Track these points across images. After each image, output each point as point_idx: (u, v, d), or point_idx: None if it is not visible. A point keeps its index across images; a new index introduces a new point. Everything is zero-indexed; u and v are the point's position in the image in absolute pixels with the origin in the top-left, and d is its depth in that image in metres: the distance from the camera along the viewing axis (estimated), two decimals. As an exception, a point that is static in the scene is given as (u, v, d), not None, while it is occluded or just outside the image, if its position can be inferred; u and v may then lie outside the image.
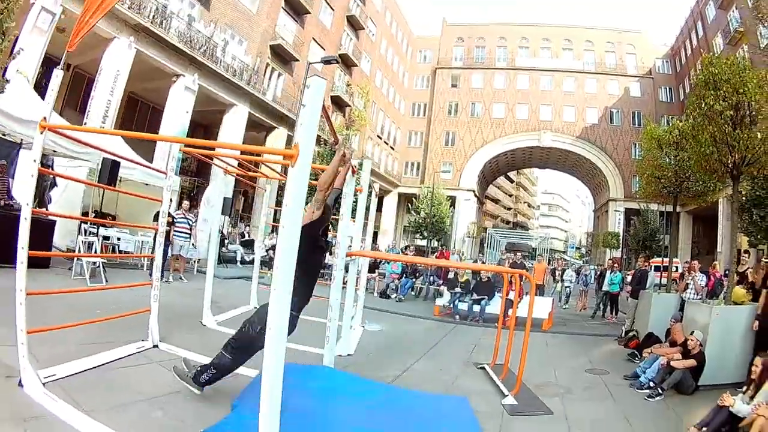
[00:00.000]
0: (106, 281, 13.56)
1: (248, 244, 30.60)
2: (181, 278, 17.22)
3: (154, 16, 28.10)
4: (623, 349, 13.81)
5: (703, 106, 11.88)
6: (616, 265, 22.39)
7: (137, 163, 13.64)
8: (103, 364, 6.84)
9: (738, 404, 6.83)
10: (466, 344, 13.28)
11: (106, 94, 24.93)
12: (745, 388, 7.66)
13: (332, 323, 8.51)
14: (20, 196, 15.22)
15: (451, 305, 18.31)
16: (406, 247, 36.94)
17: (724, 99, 11.24)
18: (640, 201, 31.21)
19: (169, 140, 7.93)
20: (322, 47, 47.16)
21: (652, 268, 21.84)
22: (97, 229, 15.46)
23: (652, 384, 9.52)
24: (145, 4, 27.55)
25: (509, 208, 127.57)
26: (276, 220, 22.11)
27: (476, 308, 17.74)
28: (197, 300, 11.83)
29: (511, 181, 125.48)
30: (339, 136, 7.16)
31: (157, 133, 29.83)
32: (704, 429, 6.84)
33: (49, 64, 23.30)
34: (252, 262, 23.11)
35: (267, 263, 22.32)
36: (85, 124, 23.55)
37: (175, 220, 16.86)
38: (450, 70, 70.48)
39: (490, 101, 67.29)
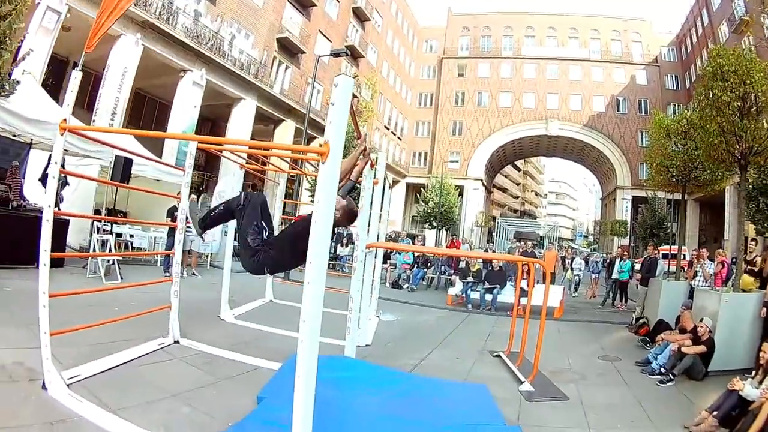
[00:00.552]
0: (122, 278, 13.69)
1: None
2: (194, 273, 17.31)
3: (160, 12, 28.12)
4: (634, 336, 13.93)
5: (710, 96, 11.97)
6: (625, 253, 22.48)
7: (152, 159, 13.75)
8: (126, 362, 6.93)
9: (747, 388, 6.94)
10: (480, 333, 13.43)
11: (114, 91, 24.98)
12: (753, 373, 7.76)
13: (353, 314, 8.66)
14: (32, 196, 15.39)
15: (464, 294, 18.45)
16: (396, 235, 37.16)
17: (732, 90, 11.32)
18: (648, 189, 31.22)
19: (192, 139, 8.00)
20: (328, 39, 47.23)
21: (660, 255, 21.95)
22: (111, 226, 15.55)
23: (663, 370, 9.66)
24: (152, 1, 27.56)
25: (517, 197, 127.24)
26: (286, 213, 22.25)
27: (488, 297, 17.85)
28: (213, 294, 12.00)
29: (519, 170, 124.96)
30: (361, 131, 7.21)
31: (165, 129, 30.28)
32: (715, 412, 6.91)
33: (54, 62, 23.45)
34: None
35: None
36: (94, 121, 23.63)
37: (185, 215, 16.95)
38: (456, 60, 70.17)
39: (497, 90, 67.03)
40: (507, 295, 17.65)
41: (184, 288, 8.97)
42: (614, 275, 21.27)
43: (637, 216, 48.00)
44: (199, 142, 8.88)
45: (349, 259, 21.42)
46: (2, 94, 12.18)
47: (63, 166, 6.11)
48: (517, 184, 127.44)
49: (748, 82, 11.10)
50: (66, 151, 14.34)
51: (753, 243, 13.53)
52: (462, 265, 20.48)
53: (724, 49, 12.41)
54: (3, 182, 13.66)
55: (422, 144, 70.32)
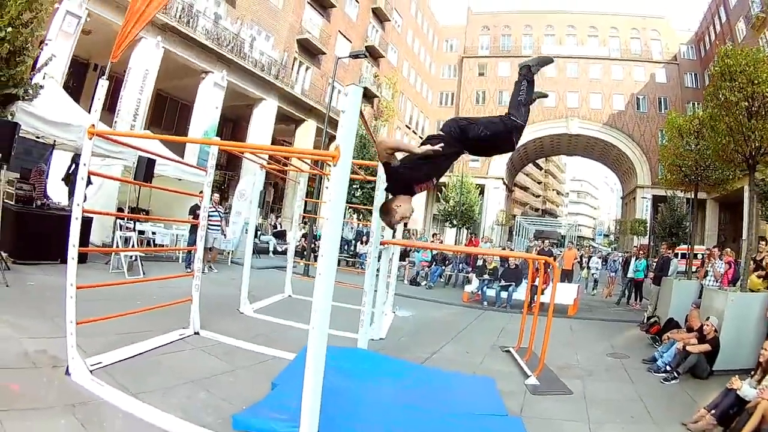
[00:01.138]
0: (144, 274, 14.02)
1: (280, 235, 30.94)
2: (211, 268, 17.43)
3: (180, 15, 28.45)
4: (645, 334, 13.92)
5: (719, 96, 12.07)
6: (641, 252, 22.53)
7: (173, 160, 14.03)
8: (147, 351, 7.23)
9: (745, 388, 7.02)
10: (493, 329, 13.57)
11: (136, 93, 25.29)
12: (753, 372, 7.87)
13: (366, 308, 8.93)
14: (55, 195, 15.73)
15: (479, 291, 18.65)
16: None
17: (740, 90, 11.41)
18: (664, 188, 31.27)
19: (214, 144, 8.28)
20: (348, 40, 47.37)
21: (679, 255, 22.00)
22: (134, 224, 15.80)
23: (668, 368, 9.73)
24: (172, 4, 27.85)
25: (538, 196, 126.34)
26: (306, 211, 22.47)
27: (504, 294, 18.03)
28: (232, 289, 12.32)
29: (540, 169, 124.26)
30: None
31: (187, 129, 30.71)
32: (713, 411, 7.00)
33: (75, 65, 23.79)
34: (284, 252, 23.44)
35: (300, 253, 22.68)
36: (116, 122, 23.94)
37: (208, 213, 17.19)
38: (477, 59, 70.02)
39: (517, 89, 66.20)
40: (522, 292, 17.33)
41: (205, 283, 9.24)
42: (629, 274, 21.35)
43: (656, 215, 47.61)
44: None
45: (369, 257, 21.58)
46: (26, 98, 12.46)
47: (79, 166, 6.41)
48: (539, 183, 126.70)
49: (757, 82, 11.18)
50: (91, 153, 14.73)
51: (763, 243, 13.57)
52: (479, 262, 20.59)
53: (732, 49, 12.47)
54: (27, 182, 13.96)
55: (443, 143, 69.50)
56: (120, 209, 17.28)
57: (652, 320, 14.34)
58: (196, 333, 8.60)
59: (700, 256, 19.16)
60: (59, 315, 6.48)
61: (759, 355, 7.95)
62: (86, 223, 13.44)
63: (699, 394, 8.54)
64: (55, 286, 9.42)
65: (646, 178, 59.06)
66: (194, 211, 15.93)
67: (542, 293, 12.40)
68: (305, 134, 42.26)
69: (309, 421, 4.44)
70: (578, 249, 35.47)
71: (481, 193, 59.07)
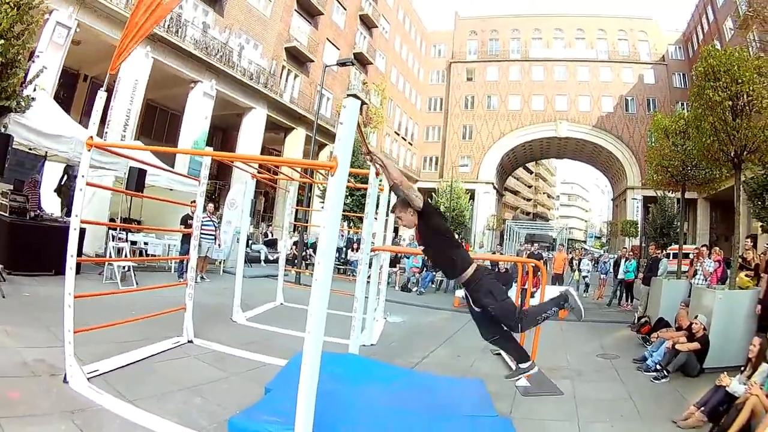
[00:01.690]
0: (137, 284, 14.02)
1: (271, 244, 30.99)
2: (203, 278, 17.40)
3: (169, 25, 28.44)
4: (636, 334, 14.04)
5: (703, 96, 12.18)
6: (631, 253, 22.73)
7: (165, 170, 14.14)
8: (143, 359, 7.35)
9: (734, 384, 7.13)
10: (483, 333, 13.62)
11: (126, 104, 25.32)
12: (743, 368, 7.98)
13: (357, 314, 9.01)
14: (47, 206, 15.81)
15: (471, 296, 18.55)
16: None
17: (723, 90, 11.53)
18: (651, 189, 31.34)
19: (207, 155, 8.35)
20: (336, 47, 47.53)
21: (670, 255, 22.10)
22: (126, 234, 15.91)
23: (658, 367, 9.84)
24: (161, 14, 27.70)
25: (529, 199, 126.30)
26: (297, 219, 22.56)
27: (495, 299, 17.93)
28: (225, 298, 12.40)
29: (531, 173, 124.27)
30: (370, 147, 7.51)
31: (177, 138, 30.74)
32: (702, 408, 7.12)
33: (65, 75, 23.85)
34: (275, 261, 23.54)
35: (290, 261, 22.77)
36: (106, 133, 23.95)
37: (201, 222, 17.22)
38: (465, 64, 70.20)
39: (506, 93, 67.07)
40: (513, 296, 17.59)
41: (198, 292, 9.34)
42: (620, 275, 21.49)
43: (647, 216, 47.78)
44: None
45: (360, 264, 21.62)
46: (18, 110, 12.55)
47: (77, 177, 6.48)
48: (529, 187, 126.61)
49: (740, 81, 11.31)
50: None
51: (748, 241, 13.68)
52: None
53: (715, 49, 12.61)
54: (21, 193, 14.04)
55: (433, 149, 70.46)
56: (112, 219, 17.32)
57: (643, 320, 14.46)
58: (190, 341, 8.70)
59: (691, 256, 19.22)
60: (55, 324, 6.62)
61: (748, 351, 8.07)
62: (79, 234, 13.55)
63: (689, 391, 8.63)
64: (50, 297, 9.52)
65: (636, 180, 59.03)
66: (186, 220, 16.02)
67: (532, 296, 12.48)
68: (294, 142, 42.34)
69: (303, 423, 4.54)
70: (569, 252, 35.64)
71: (471, 198, 59.18)
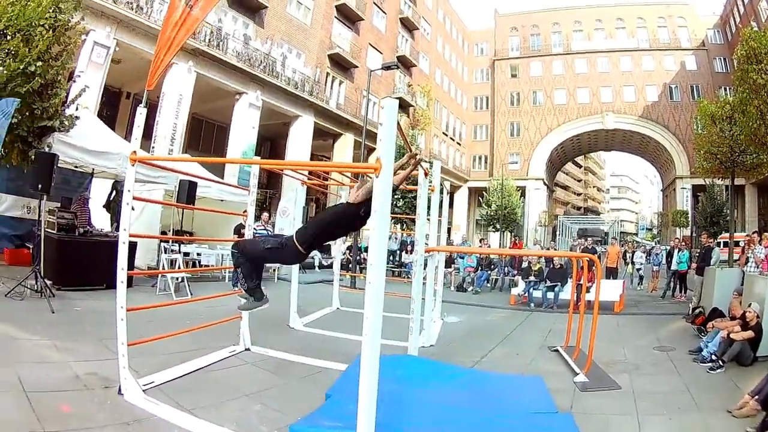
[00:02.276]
0: (191, 294, 14.07)
1: (325, 249, 31.11)
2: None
3: (210, 39, 28.77)
4: (691, 326, 13.66)
5: (747, 80, 11.97)
6: (683, 243, 22.36)
7: (215, 181, 14.24)
8: (199, 369, 7.32)
9: (787, 371, 7.01)
10: (541, 330, 13.56)
11: (171, 118, 25.57)
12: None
13: (415, 315, 8.98)
14: (97, 222, 15.97)
15: (526, 294, 18.65)
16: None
17: (767, 72, 11.34)
18: (702, 176, 30.95)
19: (254, 163, 8.45)
20: (379, 51, 47.68)
21: (721, 244, 21.79)
22: (179, 246, 15.95)
23: (713, 357, 9.63)
24: (200, 28, 27.79)
25: (579, 194, 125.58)
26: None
27: (550, 295, 17.95)
28: (281, 305, 12.20)
29: (579, 166, 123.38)
30: (413, 148, 7.57)
31: (225, 150, 31.26)
32: (756, 396, 6.91)
33: (107, 94, 24.17)
34: (329, 266, 23.54)
35: (345, 266, 22.78)
36: (153, 148, 24.20)
37: (256, 231, 17.21)
38: (508, 61, 70.08)
39: (551, 88, 66.91)
40: (568, 292, 17.06)
41: (253, 300, 9.36)
42: (673, 266, 20.99)
43: (697, 205, 47.40)
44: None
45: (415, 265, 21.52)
46: (61, 129, 12.69)
47: (124, 192, 6.54)
48: (579, 181, 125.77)
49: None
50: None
51: None
52: (524, 265, 20.57)
53: (756, 31, 12.40)
54: (68, 210, 14.14)
55: (481, 147, 70.50)
56: (164, 232, 17.48)
57: (697, 311, 14.05)
58: (247, 349, 8.66)
59: (741, 243, 18.95)
60: (107, 337, 6.62)
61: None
62: (131, 248, 13.62)
63: (743, 380, 8.47)
64: (101, 310, 9.53)
65: (685, 169, 58.33)
66: (239, 230, 15.99)
67: (587, 291, 12.38)
68: (343, 148, 42.54)
69: (365, 427, 4.48)
70: (621, 245, 35.26)
71: (522, 195, 59.11)
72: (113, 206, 16.44)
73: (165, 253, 14.95)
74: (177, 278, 14.36)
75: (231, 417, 5.70)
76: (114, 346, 6.19)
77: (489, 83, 71.61)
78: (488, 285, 23.58)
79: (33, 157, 12.10)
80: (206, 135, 37.79)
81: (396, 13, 51.98)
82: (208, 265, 19.20)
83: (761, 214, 51.36)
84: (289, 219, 19.98)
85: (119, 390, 5.94)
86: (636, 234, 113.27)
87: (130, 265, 10.48)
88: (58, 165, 11.57)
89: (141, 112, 6.56)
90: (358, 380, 4.54)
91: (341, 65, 42.46)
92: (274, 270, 20.39)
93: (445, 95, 64.86)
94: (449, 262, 23.00)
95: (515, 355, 10.57)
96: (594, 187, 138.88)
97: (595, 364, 8.96)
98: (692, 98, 57.71)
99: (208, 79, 29.02)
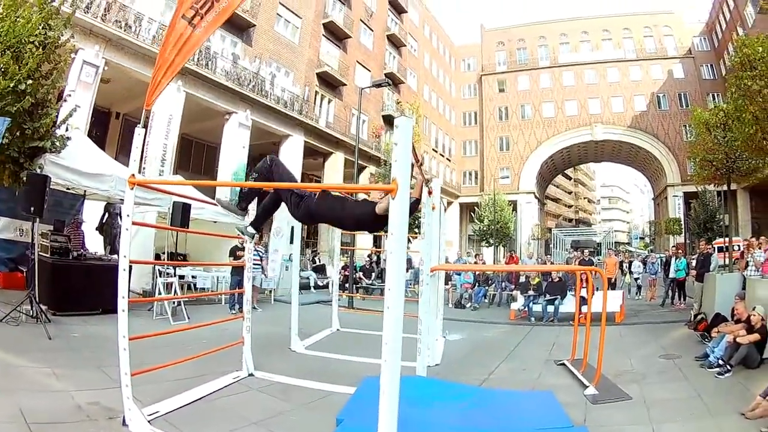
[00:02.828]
0: (189, 318, 13.98)
1: (319, 270, 31.01)
2: (254, 308, 17.31)
3: (198, 58, 28.62)
4: (693, 332, 13.72)
5: (741, 86, 12.00)
6: (680, 251, 22.39)
7: (209, 203, 14.09)
8: (204, 396, 7.19)
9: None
10: (544, 344, 13.56)
11: (161, 139, 25.37)
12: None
13: (423, 336, 8.88)
14: (91, 245, 15.83)
15: (526, 308, 18.55)
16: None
17: (761, 78, 11.35)
18: (697, 184, 31.01)
19: (253, 186, 8.49)
20: (367, 69, 47.76)
21: (716, 249, 21.80)
22: (174, 269, 15.82)
23: (721, 362, 9.69)
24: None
25: (570, 206, 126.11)
26: (344, 243, 22.50)
27: (550, 309, 17.93)
28: (280, 327, 12.30)
29: (569, 179, 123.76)
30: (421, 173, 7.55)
31: (215, 171, 31.24)
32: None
33: (97, 114, 24.04)
34: (325, 286, 23.44)
35: (342, 285, 22.71)
36: (144, 169, 24.07)
37: (256, 253, 17.13)
38: (495, 76, 70.44)
39: (539, 101, 67.22)
40: (569, 305, 17.53)
41: (251, 323, 9.24)
42: (671, 274, 21.09)
43: (689, 212, 47.45)
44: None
45: (411, 283, 21.58)
46: (53, 150, 12.55)
47: (120, 215, 6.42)
48: (569, 193, 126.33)
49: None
50: (122, 201, 14.87)
51: None
52: (522, 279, 20.71)
53: (749, 38, 12.45)
54: (62, 234, 14.07)
55: (471, 163, 70.84)
56: (158, 256, 17.35)
57: (699, 317, 14.13)
58: (251, 374, 8.55)
59: (737, 248, 18.96)
60: (107, 365, 6.51)
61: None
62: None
63: (753, 383, 8.56)
64: (99, 336, 9.45)
65: (676, 176, 58.67)
66: (235, 252, 16.06)
67: (591, 303, 12.32)
68: (333, 166, 42.52)
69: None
70: (617, 255, 35.36)
71: (514, 209, 59.13)
72: (106, 229, 16.34)
73: (160, 276, 14.87)
74: (174, 302, 14.32)
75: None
76: (115, 373, 6.11)
77: (477, 98, 72.02)
78: (486, 301, 23.52)
79: (24, 178, 11.93)
80: (196, 155, 37.73)
81: (383, 30, 52.17)
82: (204, 288, 19.07)
83: (754, 218, 51.46)
84: (284, 239, 19.85)
85: (123, 421, 5.79)
86: (629, 243, 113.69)
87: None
88: (50, 187, 11.43)
89: (139, 133, 6.49)
90: (369, 402, 4.56)
91: (330, 83, 42.50)
92: (271, 291, 20.35)
93: (434, 111, 65.20)
94: (446, 278, 22.73)
95: (522, 370, 10.60)
96: (585, 198, 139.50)
97: (604, 376, 8.93)
98: (681, 106, 58.46)
99: (198, 98, 28.87)
